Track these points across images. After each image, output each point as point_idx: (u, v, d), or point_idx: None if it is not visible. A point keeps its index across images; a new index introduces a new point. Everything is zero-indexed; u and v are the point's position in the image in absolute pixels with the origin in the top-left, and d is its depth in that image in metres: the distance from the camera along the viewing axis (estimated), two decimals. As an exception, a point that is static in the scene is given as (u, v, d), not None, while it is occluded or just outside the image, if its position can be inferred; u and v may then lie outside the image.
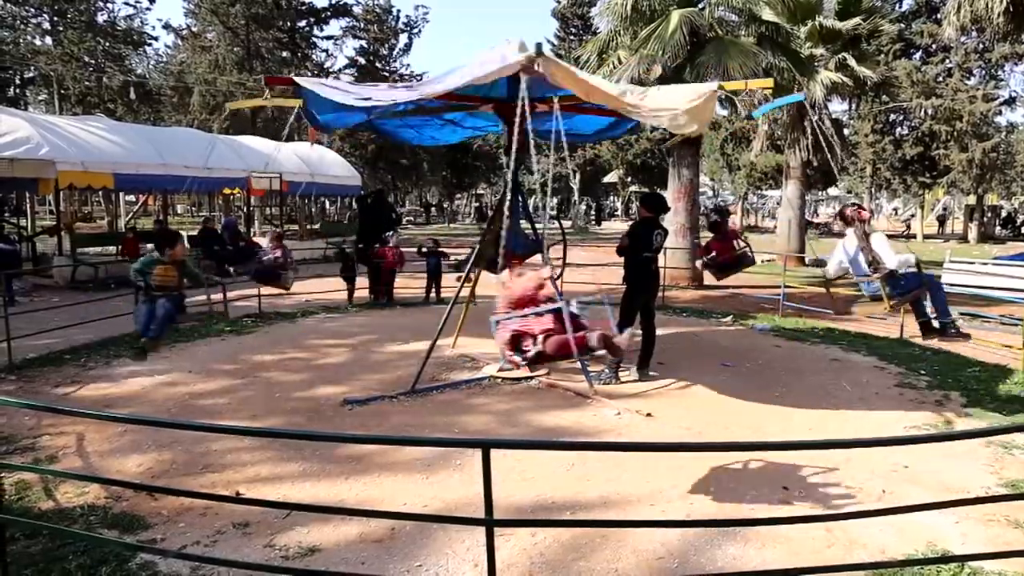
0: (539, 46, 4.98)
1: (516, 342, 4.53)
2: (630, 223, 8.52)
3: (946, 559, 3.46)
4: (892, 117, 32.24)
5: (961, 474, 4.60)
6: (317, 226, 24.47)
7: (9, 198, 18.35)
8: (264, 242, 9.36)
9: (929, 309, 6.16)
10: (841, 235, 6.65)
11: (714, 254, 7.62)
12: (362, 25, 37.98)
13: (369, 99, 5.45)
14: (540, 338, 4.45)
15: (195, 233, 15.78)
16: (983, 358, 7.84)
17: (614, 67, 13.79)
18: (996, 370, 7.30)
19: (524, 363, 4.56)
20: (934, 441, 4.97)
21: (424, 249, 11.95)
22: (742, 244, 7.53)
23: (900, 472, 4.60)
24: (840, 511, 3.86)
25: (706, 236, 9.41)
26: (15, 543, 3.50)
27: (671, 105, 5.40)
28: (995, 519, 3.92)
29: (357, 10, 36.95)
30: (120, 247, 15.40)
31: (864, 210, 6.16)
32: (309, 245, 18.79)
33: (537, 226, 7.54)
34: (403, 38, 39.35)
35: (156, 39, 34.76)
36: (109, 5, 30.81)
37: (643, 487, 4.37)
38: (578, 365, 6.62)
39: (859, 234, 5.92)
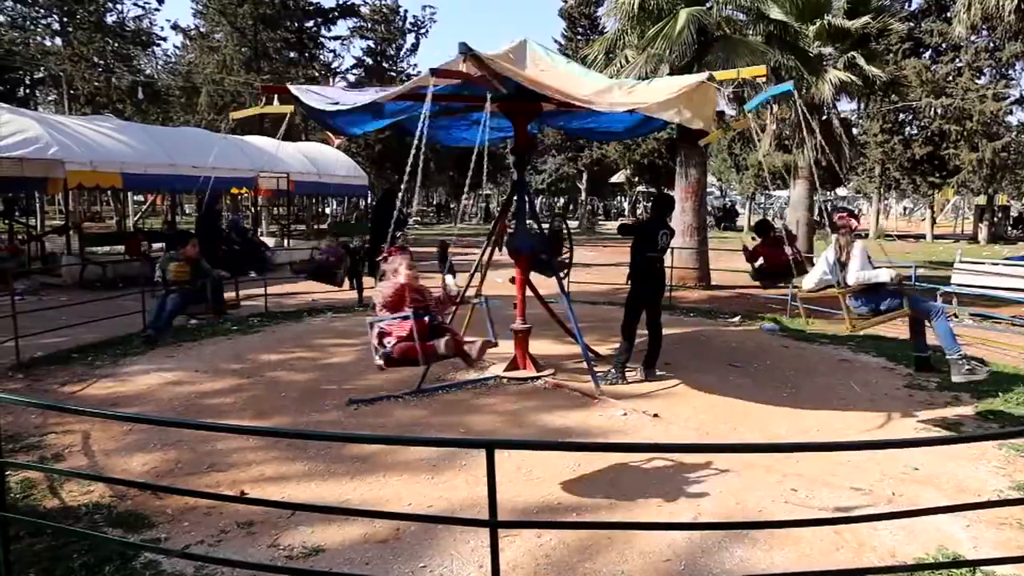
0: (462, 45, 4.94)
1: (380, 341, 4.51)
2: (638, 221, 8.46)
3: (957, 563, 3.41)
4: (901, 117, 32.04)
5: (972, 477, 4.54)
6: (325, 225, 24.52)
7: (19, 197, 18.46)
8: (323, 244, 10.04)
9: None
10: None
11: (762, 261, 6.87)
12: (369, 25, 38.02)
13: (337, 103, 5.52)
14: (392, 342, 4.44)
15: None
16: (994, 359, 7.76)
17: (621, 66, 13.75)
18: (1007, 372, 7.22)
19: (380, 362, 4.50)
20: (945, 444, 4.93)
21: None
22: (792, 251, 6.55)
23: (910, 474, 4.55)
24: (849, 514, 3.82)
25: (720, 236, 9.14)
26: (19, 541, 3.50)
27: (648, 99, 5.32)
28: (1007, 523, 3.87)
29: (364, 10, 37.00)
30: (125, 247, 15.49)
31: (853, 217, 5.64)
32: (316, 245, 18.80)
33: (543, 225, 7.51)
34: (410, 38, 39.41)
35: (164, 40, 34.63)
36: (118, 6, 30.91)
37: (650, 488, 4.34)
38: (584, 365, 6.61)
39: (842, 243, 5.39)
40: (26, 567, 3.32)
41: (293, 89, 5.88)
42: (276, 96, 6.22)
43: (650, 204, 7.38)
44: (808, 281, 5.73)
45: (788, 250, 6.62)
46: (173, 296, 6.36)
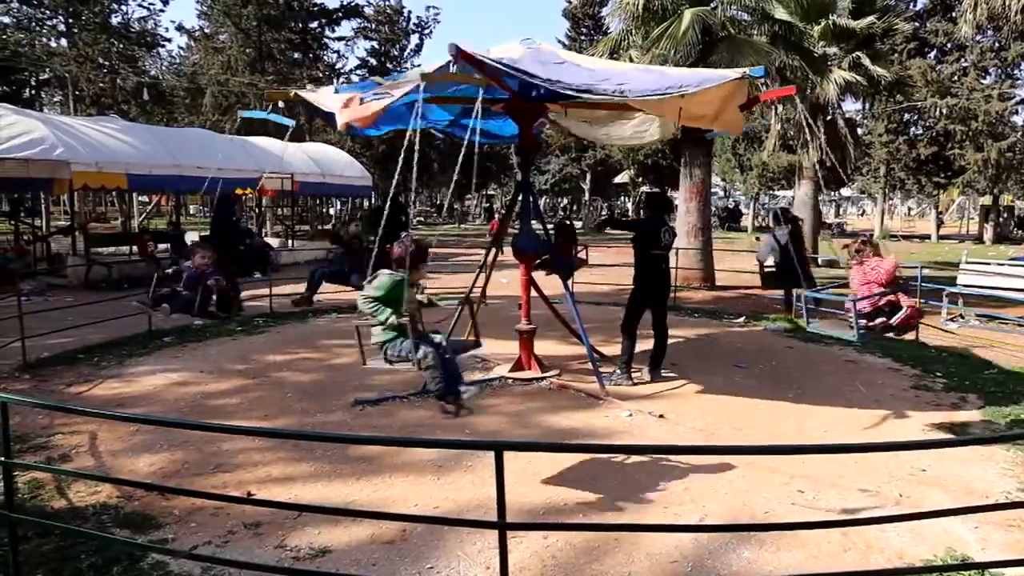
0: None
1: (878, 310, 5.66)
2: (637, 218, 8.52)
3: (966, 566, 3.39)
4: (906, 117, 31.92)
5: (980, 478, 4.53)
6: (329, 226, 24.53)
7: (25, 198, 18.53)
8: (196, 256, 6.33)
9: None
10: (841, 235, 7.49)
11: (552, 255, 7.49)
12: (373, 26, 38.09)
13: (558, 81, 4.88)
14: (907, 308, 5.62)
15: (207, 234, 15.83)
16: (1000, 360, 7.74)
17: (626, 67, 13.74)
18: (1014, 372, 7.20)
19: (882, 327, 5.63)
20: (952, 446, 4.91)
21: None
22: (578, 249, 7.69)
23: (917, 475, 4.53)
24: (857, 515, 3.81)
25: (725, 237, 9.53)
26: (27, 542, 3.51)
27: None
28: (1015, 524, 3.85)
29: (368, 11, 37.07)
30: (137, 247, 15.53)
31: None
32: (320, 245, 18.83)
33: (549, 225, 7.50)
34: (414, 39, 39.48)
35: (169, 41, 35.01)
36: (123, 7, 31.02)
37: (656, 489, 4.33)
38: (589, 366, 6.60)
39: (795, 233, 7.54)
40: (34, 568, 3.33)
41: (302, 93, 5.41)
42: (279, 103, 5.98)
43: (644, 204, 7.36)
44: (768, 258, 7.66)
45: (577, 247, 7.72)
46: (451, 341, 4.85)
